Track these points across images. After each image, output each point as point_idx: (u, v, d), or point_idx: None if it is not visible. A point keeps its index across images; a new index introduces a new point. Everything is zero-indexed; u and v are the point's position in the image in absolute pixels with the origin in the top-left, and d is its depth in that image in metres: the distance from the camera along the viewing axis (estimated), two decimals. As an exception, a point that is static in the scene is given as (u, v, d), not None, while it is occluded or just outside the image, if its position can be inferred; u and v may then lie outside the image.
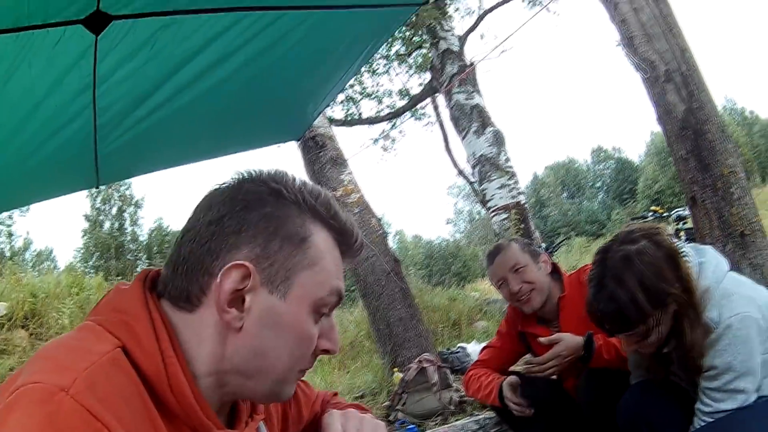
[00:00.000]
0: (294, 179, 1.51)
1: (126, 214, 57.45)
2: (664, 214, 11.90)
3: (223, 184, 1.52)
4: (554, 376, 3.81)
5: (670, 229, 11.48)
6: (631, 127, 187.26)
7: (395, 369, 8.03)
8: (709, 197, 5.53)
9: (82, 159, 4.33)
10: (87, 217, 55.72)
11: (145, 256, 54.21)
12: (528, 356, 4.05)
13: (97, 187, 5.04)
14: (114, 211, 56.74)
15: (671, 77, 5.71)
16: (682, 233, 10.61)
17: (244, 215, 1.42)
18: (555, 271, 3.99)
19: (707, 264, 2.71)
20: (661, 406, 2.86)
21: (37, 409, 1.05)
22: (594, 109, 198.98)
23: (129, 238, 56.72)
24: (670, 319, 2.58)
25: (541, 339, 3.61)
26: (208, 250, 1.40)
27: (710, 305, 2.58)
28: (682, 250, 2.72)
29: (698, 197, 5.61)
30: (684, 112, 5.60)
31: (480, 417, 5.89)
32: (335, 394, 2.45)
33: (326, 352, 1.55)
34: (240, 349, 1.41)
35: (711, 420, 2.57)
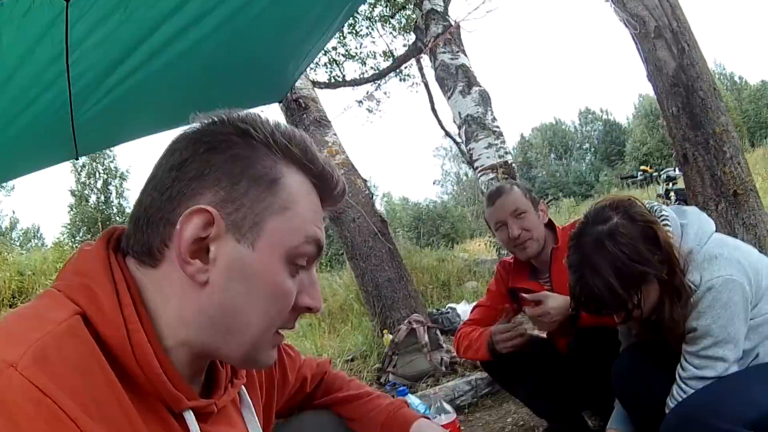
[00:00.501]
0: (266, 120, 1.40)
1: (111, 187, 57.69)
2: (653, 174, 11.92)
3: (189, 128, 1.40)
4: (544, 335, 3.79)
5: (660, 189, 11.49)
6: (620, 89, 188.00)
7: (385, 331, 8.02)
8: (701, 155, 5.49)
9: (59, 130, 4.29)
10: (72, 192, 55.89)
11: None
12: (519, 317, 3.99)
13: (76, 158, 5.01)
14: (99, 184, 56.90)
15: (661, 33, 5.66)
16: (672, 193, 10.63)
17: (207, 158, 1.31)
18: (548, 223, 3.98)
19: (689, 226, 2.67)
20: (656, 369, 2.81)
21: None
22: (582, 71, 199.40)
23: (115, 210, 56.87)
24: (654, 292, 2.53)
25: (525, 296, 3.59)
26: (168, 197, 1.30)
27: (692, 268, 2.54)
28: (661, 214, 2.69)
29: (690, 155, 5.57)
30: (675, 69, 5.55)
31: (471, 378, 5.92)
32: (329, 362, 2.42)
33: (308, 309, 1.44)
34: (206, 306, 1.31)
35: (688, 385, 2.54)
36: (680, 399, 2.54)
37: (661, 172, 11.59)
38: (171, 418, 1.31)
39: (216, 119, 1.37)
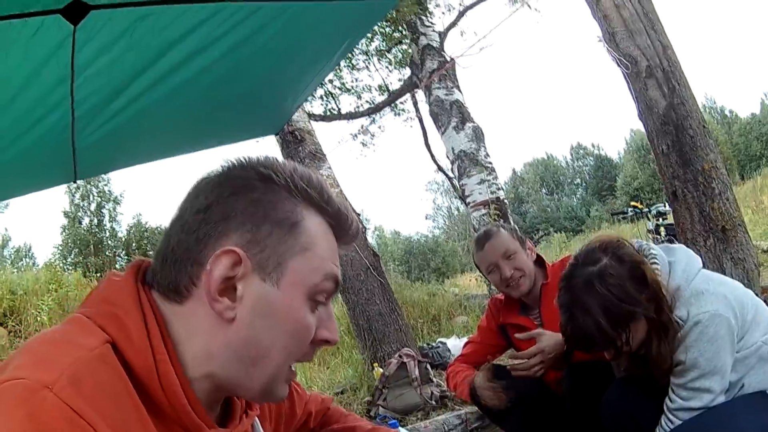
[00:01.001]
0: (284, 164, 1.45)
1: (105, 210, 57.30)
2: (644, 210, 11.99)
3: (212, 172, 1.47)
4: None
5: (650, 224, 11.56)
6: (611, 125, 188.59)
7: (375, 364, 8.02)
8: (690, 192, 5.58)
9: (59, 152, 4.29)
10: (66, 214, 55.63)
11: (123, 252, 54.15)
12: (511, 351, 4.06)
13: (75, 182, 5.01)
14: (93, 207, 56.64)
15: (653, 73, 5.77)
16: (662, 228, 10.69)
17: (232, 201, 1.36)
18: (537, 259, 4.04)
19: (677, 263, 2.74)
20: (645, 402, 2.87)
21: (18, 407, 1.01)
22: (573, 107, 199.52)
23: (108, 234, 56.59)
24: (642, 329, 2.60)
25: (519, 336, 3.67)
26: (196, 239, 1.35)
27: (680, 304, 2.61)
28: (650, 252, 2.76)
29: (679, 192, 5.66)
30: (665, 108, 5.65)
31: (461, 412, 5.96)
32: (332, 399, 2.45)
33: (326, 342, 1.49)
34: (233, 341, 1.35)
35: (676, 416, 2.61)
36: (668, 430, 2.61)
37: (651, 208, 11.67)
38: None
39: (238, 162, 1.44)
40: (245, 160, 1.44)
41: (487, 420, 5.57)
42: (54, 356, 1.13)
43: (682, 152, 5.57)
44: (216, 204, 1.36)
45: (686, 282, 2.65)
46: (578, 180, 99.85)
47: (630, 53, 5.94)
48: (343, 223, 1.51)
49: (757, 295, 5.11)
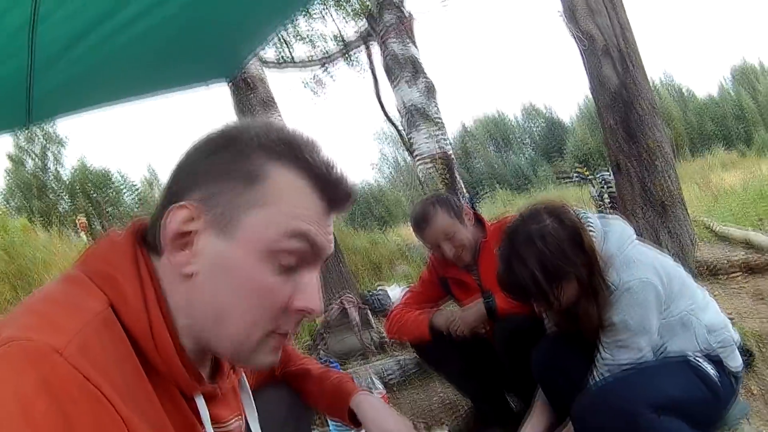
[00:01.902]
0: (271, 124, 1.43)
1: (49, 153, 56.18)
2: (590, 177, 12.13)
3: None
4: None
5: (594, 191, 11.73)
6: (565, 90, 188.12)
7: (317, 309, 8.11)
8: (634, 167, 5.72)
9: (13, 100, 4.30)
10: (10, 157, 54.48)
11: (67, 195, 53.17)
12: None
13: (27, 128, 4.93)
14: (38, 150, 55.51)
15: (609, 52, 5.87)
16: (606, 196, 10.85)
17: (200, 160, 1.39)
18: (477, 219, 4.15)
19: (612, 233, 2.92)
20: (573, 356, 3.07)
21: (30, 369, 1.05)
22: (528, 68, 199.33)
23: (52, 177, 55.54)
24: (573, 289, 2.79)
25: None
26: (168, 194, 1.38)
27: (612, 270, 2.80)
28: (587, 219, 2.93)
29: (623, 165, 5.80)
30: (617, 86, 5.77)
31: (400, 357, 6.10)
32: (294, 350, 2.64)
33: (303, 312, 1.41)
34: (195, 298, 1.37)
35: (608, 372, 2.82)
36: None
37: (597, 175, 11.80)
38: (184, 401, 1.44)
39: (223, 125, 1.44)
40: (232, 123, 1.45)
41: (424, 366, 5.76)
42: (62, 320, 1.17)
43: (629, 128, 5.75)
44: (186, 163, 1.40)
45: (619, 250, 2.83)
46: (527, 140, 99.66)
47: (588, 31, 6.02)
48: (329, 184, 1.41)
49: (691, 268, 5.36)
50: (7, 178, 52.64)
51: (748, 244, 7.97)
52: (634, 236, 2.98)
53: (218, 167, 1.35)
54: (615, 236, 2.90)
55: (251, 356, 1.43)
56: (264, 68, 9.87)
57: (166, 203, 1.35)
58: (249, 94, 8.82)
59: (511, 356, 3.54)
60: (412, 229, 4.16)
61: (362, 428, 2.39)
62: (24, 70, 3.85)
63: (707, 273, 6.68)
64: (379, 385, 4.00)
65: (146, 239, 1.43)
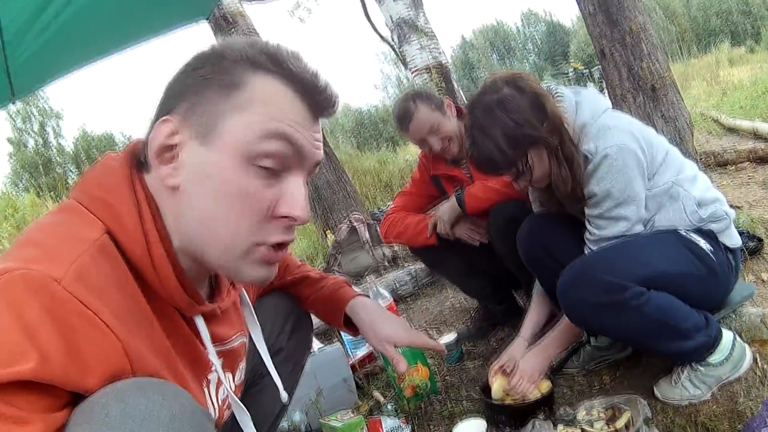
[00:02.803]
0: (241, 39, 1.44)
1: (48, 128, 56.07)
2: (584, 71, 12.06)
3: None
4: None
5: (593, 86, 11.66)
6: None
7: (328, 231, 8.22)
8: (618, 51, 5.63)
9: None
10: (10, 140, 54.40)
11: (73, 165, 53.08)
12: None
13: (13, 103, 4.84)
14: (36, 127, 55.38)
15: None
16: (605, 91, 10.80)
17: (183, 78, 1.41)
18: (461, 112, 4.09)
19: (583, 103, 2.82)
20: (555, 233, 3.03)
21: (31, 299, 1.08)
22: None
23: (55, 151, 55.52)
24: (542, 158, 2.71)
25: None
26: (156, 114, 1.41)
27: (587, 139, 2.70)
28: (557, 91, 2.86)
29: (607, 51, 5.71)
30: None
31: (411, 269, 6.15)
32: (299, 260, 2.64)
33: (288, 218, 1.43)
34: (183, 210, 1.40)
35: (596, 246, 2.73)
36: None
37: (593, 70, 11.75)
38: (183, 322, 1.49)
39: (211, 45, 1.45)
40: (219, 43, 1.45)
41: (436, 275, 5.82)
42: (59, 250, 1.21)
43: (608, 13, 5.60)
44: (173, 81, 1.42)
45: (593, 119, 2.74)
46: (530, 45, 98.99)
47: None
48: (310, 88, 1.44)
49: (690, 153, 5.32)
50: (12, 161, 52.66)
51: (757, 135, 7.95)
52: (609, 105, 2.89)
53: (201, 81, 1.38)
54: (587, 106, 2.81)
55: (241, 268, 1.45)
56: (244, 3, 9.79)
57: (154, 121, 1.40)
58: (230, 30, 8.76)
59: (507, 246, 3.45)
60: (396, 128, 4.15)
61: (360, 334, 2.43)
62: (-2, 49, 3.79)
63: (714, 164, 6.72)
64: (386, 294, 4.03)
65: (141, 160, 1.46)
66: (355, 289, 2.52)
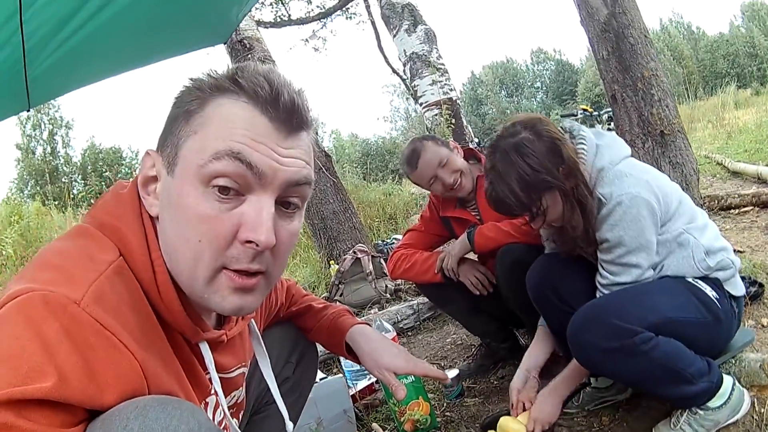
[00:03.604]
0: (235, 67, 1.44)
1: (57, 137, 56.11)
2: (594, 113, 12.06)
3: None
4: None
5: (601, 128, 11.67)
6: (573, 30, 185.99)
7: (332, 261, 8.27)
8: (630, 97, 5.66)
9: (12, 85, 4.33)
10: (18, 146, 54.46)
11: (80, 176, 53.12)
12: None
13: (28, 110, 4.89)
14: (45, 135, 55.47)
15: None
16: (613, 133, 10.79)
17: (171, 108, 1.46)
18: (473, 155, 4.16)
19: (604, 147, 2.84)
20: (566, 275, 3.04)
21: (51, 318, 1.13)
22: (534, 11, 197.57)
23: (62, 161, 55.56)
24: (556, 201, 2.74)
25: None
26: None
27: (603, 183, 2.73)
28: (579, 134, 2.89)
29: (618, 96, 5.75)
30: (606, 16, 5.68)
31: (414, 302, 6.14)
32: (294, 284, 2.67)
33: (250, 243, 1.37)
34: (162, 239, 1.44)
35: (608, 291, 2.75)
36: None
37: (602, 112, 11.74)
38: (188, 348, 1.53)
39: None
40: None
41: (438, 310, 5.81)
42: (78, 272, 1.26)
43: (621, 58, 5.67)
44: (167, 120, 1.47)
45: (611, 164, 2.76)
46: (538, 84, 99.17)
47: (573, -40, 5.92)
48: (269, 100, 1.39)
49: (696, 199, 5.33)
50: (19, 167, 52.69)
51: (761, 179, 7.97)
52: (629, 153, 2.92)
53: (174, 115, 1.44)
54: (607, 150, 2.84)
55: (210, 297, 1.42)
56: (260, 28, 9.86)
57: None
58: (246, 55, 8.82)
59: (513, 288, 3.50)
60: (406, 175, 4.15)
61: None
62: (18, 56, 3.88)
63: (718, 208, 6.70)
64: (389, 328, 4.05)
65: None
66: (357, 318, 2.54)
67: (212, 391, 1.66)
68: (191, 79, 1.46)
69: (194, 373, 1.56)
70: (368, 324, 2.50)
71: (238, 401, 1.98)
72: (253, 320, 1.93)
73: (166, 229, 1.42)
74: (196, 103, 1.39)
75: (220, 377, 1.70)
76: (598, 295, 2.80)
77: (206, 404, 1.67)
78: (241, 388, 1.94)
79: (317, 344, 2.65)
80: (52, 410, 1.08)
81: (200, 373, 1.59)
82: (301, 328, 2.56)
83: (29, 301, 1.14)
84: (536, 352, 3.26)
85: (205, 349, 1.58)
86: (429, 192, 4.20)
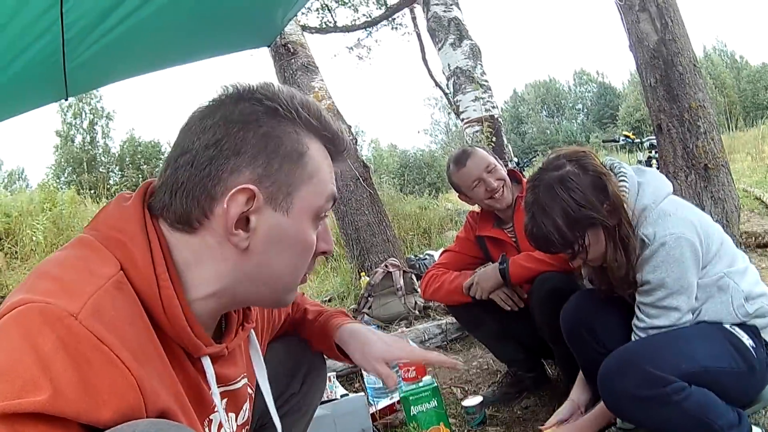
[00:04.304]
0: (284, 92, 1.53)
1: (97, 127, 56.76)
2: (636, 141, 11.98)
3: (212, 102, 1.54)
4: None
5: (641, 156, 11.58)
6: (616, 54, 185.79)
7: (362, 273, 8.22)
8: (675, 127, 5.59)
9: (50, 74, 4.37)
10: (58, 133, 55.07)
11: (117, 167, 53.70)
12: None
13: (66, 99, 5.04)
14: (85, 124, 56.08)
15: (646, 7, 5.70)
16: (653, 161, 10.69)
17: (242, 136, 1.44)
18: (513, 176, 4.17)
19: (646, 184, 2.80)
20: (602, 314, 2.99)
21: (48, 330, 1.13)
22: (578, 32, 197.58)
23: (101, 150, 56.16)
24: (599, 238, 2.70)
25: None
26: (208, 174, 1.43)
27: (647, 223, 2.68)
28: (620, 170, 2.84)
29: (664, 126, 5.67)
30: (656, 42, 5.63)
31: (442, 322, 6.08)
32: (302, 294, 2.65)
33: (324, 253, 1.68)
34: (246, 266, 1.50)
35: (646, 334, 2.69)
36: None
37: (644, 140, 11.65)
38: (189, 362, 1.53)
39: (240, 93, 1.52)
40: (246, 90, 1.52)
41: (466, 331, 5.76)
42: (77, 285, 1.26)
43: (669, 87, 5.59)
44: (226, 139, 1.44)
45: (654, 203, 2.72)
46: (580, 105, 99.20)
47: (624, -16, 5.86)
48: (338, 145, 1.64)
49: (736, 237, 5.24)
50: (57, 153, 53.32)
51: (800, 217, 7.85)
52: (671, 190, 2.87)
53: (267, 144, 1.47)
54: (650, 188, 2.79)
55: (286, 297, 1.67)
56: (305, 34, 9.89)
57: (206, 182, 1.44)
58: (290, 60, 8.87)
59: (547, 317, 3.46)
60: (449, 177, 4.22)
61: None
62: (58, 45, 3.90)
63: (755, 245, 6.64)
64: (415, 346, 4.00)
65: (155, 208, 1.51)
66: (349, 318, 2.50)
67: (216, 408, 1.65)
68: (265, 97, 1.51)
69: (197, 389, 1.56)
70: (359, 322, 2.47)
71: (246, 417, 1.97)
72: (252, 331, 1.92)
73: (265, 259, 1.52)
74: (298, 145, 1.52)
75: (225, 389, 1.74)
76: (633, 338, 2.75)
77: (210, 422, 1.66)
78: (248, 402, 1.93)
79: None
80: (47, 424, 1.08)
81: (204, 389, 1.59)
82: (304, 337, 2.53)
83: (26, 313, 1.15)
84: (585, 384, 3.21)
85: (207, 363, 1.58)
86: (466, 207, 4.22)
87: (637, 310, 2.77)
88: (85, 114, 55.66)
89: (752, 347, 2.61)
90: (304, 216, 1.53)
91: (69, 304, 1.18)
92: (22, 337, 1.11)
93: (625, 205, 2.70)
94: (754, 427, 2.57)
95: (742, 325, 2.69)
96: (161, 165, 1.58)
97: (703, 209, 3.22)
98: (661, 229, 2.62)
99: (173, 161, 1.49)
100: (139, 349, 1.29)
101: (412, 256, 9.02)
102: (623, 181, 2.80)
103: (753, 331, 2.68)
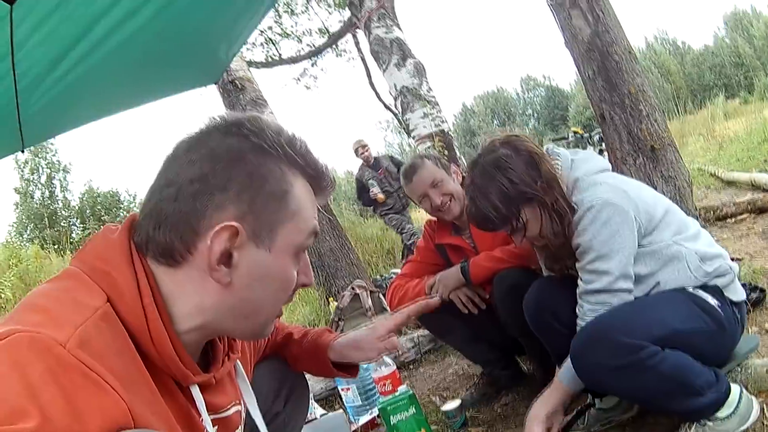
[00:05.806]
0: (271, 127, 1.55)
1: (55, 181, 56.06)
2: (585, 135, 12.10)
3: (199, 132, 1.54)
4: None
5: (593, 149, 11.70)
6: (561, 56, 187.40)
7: (330, 298, 8.25)
8: (618, 114, 5.68)
9: (5, 125, 4.36)
10: (17, 190, 54.53)
11: (78, 220, 53.20)
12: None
13: (22, 151, 4.90)
14: (43, 179, 55.53)
15: (577, 3, 5.83)
16: (604, 153, 10.82)
17: (228, 173, 1.45)
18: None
19: (579, 160, 2.91)
20: (561, 297, 2.98)
21: (36, 360, 1.12)
22: (521, 39, 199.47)
23: (61, 205, 55.60)
24: (536, 214, 2.78)
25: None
26: (193, 209, 1.44)
27: (577, 191, 2.78)
28: (554, 152, 2.95)
29: (607, 115, 5.78)
30: (590, 35, 5.72)
31: (414, 335, 6.11)
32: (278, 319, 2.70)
33: (304, 285, 1.69)
34: (227, 300, 1.51)
35: (587, 301, 2.75)
36: (580, 314, 2.77)
37: (593, 134, 11.79)
38: (179, 391, 1.53)
39: (227, 126, 1.53)
40: (234, 124, 1.53)
41: (439, 342, 5.78)
42: (64, 316, 1.26)
43: (608, 77, 5.71)
44: (212, 175, 1.45)
45: (586, 175, 2.82)
46: (530, 111, 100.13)
47: (554, -17, 5.96)
48: (322, 182, 1.66)
49: (691, 211, 5.32)
50: (17, 210, 52.73)
51: (755, 186, 7.99)
52: (608, 167, 2.97)
53: (252, 182, 1.49)
54: (583, 163, 2.90)
55: (264, 330, 1.68)
56: (252, 69, 9.93)
57: (191, 218, 1.45)
58: (238, 95, 8.93)
59: (511, 312, 3.48)
60: (402, 184, 4.28)
61: (356, 375, 2.56)
62: (11, 96, 3.91)
63: (714, 218, 6.76)
64: (389, 362, 4.02)
65: (139, 242, 1.51)
66: (333, 334, 2.58)
67: None
68: (252, 132, 1.52)
69: (188, 417, 1.55)
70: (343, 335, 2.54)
71: None
72: (238, 360, 1.93)
73: (245, 294, 1.54)
74: (286, 184, 1.54)
75: (216, 417, 1.71)
76: (578, 307, 2.81)
77: None
78: (239, 428, 1.91)
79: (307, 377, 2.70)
80: None
81: (194, 417, 1.57)
82: (286, 359, 2.57)
83: (15, 342, 1.14)
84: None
85: (196, 392, 1.57)
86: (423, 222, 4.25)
87: (579, 277, 2.83)
88: (42, 169, 55.07)
89: (718, 306, 2.64)
90: (286, 252, 1.55)
91: (57, 333, 1.18)
92: (10, 366, 1.10)
93: (559, 181, 2.80)
94: (732, 385, 2.57)
95: (703, 287, 2.72)
96: (145, 195, 1.56)
97: (655, 189, 3.28)
98: (589, 195, 2.70)
99: (157, 192, 1.50)
100: (128, 378, 1.29)
101: (378, 277, 9.09)
102: (556, 159, 2.91)
103: (716, 291, 2.72)
